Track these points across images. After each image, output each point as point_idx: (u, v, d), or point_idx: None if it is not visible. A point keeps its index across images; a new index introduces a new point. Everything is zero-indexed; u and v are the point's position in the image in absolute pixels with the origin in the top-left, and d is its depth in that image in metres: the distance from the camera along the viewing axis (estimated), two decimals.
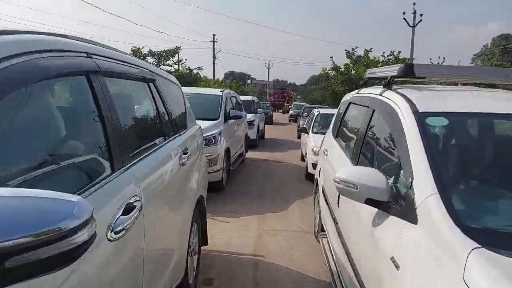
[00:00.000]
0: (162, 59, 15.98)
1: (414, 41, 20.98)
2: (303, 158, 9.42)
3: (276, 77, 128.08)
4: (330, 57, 21.69)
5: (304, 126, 9.28)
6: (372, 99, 2.66)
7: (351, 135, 3.23)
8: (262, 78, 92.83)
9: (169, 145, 2.31)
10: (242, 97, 12.75)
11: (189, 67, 17.99)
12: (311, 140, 7.49)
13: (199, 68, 18.33)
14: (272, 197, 6.13)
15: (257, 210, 5.31)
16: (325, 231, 3.39)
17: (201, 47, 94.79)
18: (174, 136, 2.51)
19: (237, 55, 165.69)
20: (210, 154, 5.26)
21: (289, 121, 26.24)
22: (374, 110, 2.52)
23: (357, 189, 1.68)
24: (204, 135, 3.87)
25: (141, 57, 15.69)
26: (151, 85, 2.31)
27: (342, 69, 19.20)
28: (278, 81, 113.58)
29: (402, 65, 2.37)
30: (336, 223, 2.66)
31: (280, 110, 45.97)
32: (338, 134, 3.70)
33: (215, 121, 6.27)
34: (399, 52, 20.31)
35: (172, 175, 2.19)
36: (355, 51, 21.47)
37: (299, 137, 14.04)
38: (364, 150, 2.53)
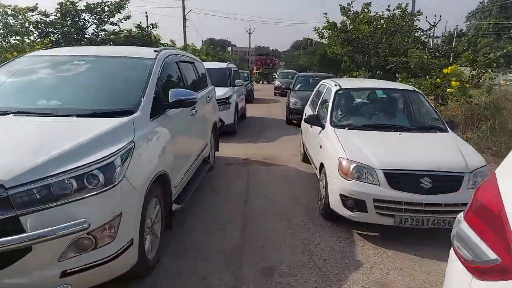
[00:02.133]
0: (104, 16, 11.88)
1: None
2: (306, 159, 6.03)
3: (257, 44, 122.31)
4: (324, 14, 17.82)
5: (312, 113, 5.60)
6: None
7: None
8: (244, 45, 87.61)
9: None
10: (209, 64, 9.09)
11: (139, 25, 13.72)
12: (339, 149, 3.92)
13: (153, 26, 14.09)
14: None
15: None
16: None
17: (171, 6, 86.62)
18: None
19: (213, 16, 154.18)
20: None
21: (275, 94, 21.21)
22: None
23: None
24: None
25: (75, 13, 11.62)
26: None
27: (342, 26, 15.51)
28: (260, 48, 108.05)
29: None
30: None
31: (265, 81, 41.78)
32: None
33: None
34: (407, 4, 16.53)
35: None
36: (351, 7, 17.60)
37: (288, 122, 10.63)
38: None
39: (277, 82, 21.54)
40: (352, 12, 17.49)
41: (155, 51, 3.77)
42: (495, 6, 44.91)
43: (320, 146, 4.43)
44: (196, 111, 4.30)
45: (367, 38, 13.82)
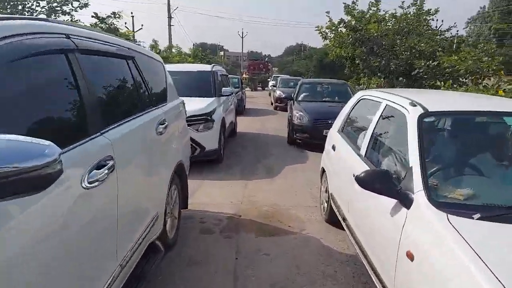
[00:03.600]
0: (56, 4, 9.28)
1: None
2: (334, 217, 3.56)
3: (250, 49, 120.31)
4: (326, 12, 15.50)
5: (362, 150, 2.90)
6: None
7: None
8: (236, 50, 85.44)
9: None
10: (184, 66, 6.63)
11: (96, 14, 10.94)
12: None
13: (115, 15, 11.38)
14: None
15: None
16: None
17: (155, 3, 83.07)
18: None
19: (200, 14, 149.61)
20: None
21: (275, 108, 15.98)
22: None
23: None
24: None
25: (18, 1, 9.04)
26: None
27: (355, 24, 13.10)
28: (252, 53, 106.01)
29: None
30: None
31: (259, 87, 38.97)
32: None
33: None
34: (424, 2, 14.22)
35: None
36: (356, 5, 15.25)
37: (291, 141, 8.08)
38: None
39: (278, 92, 15.79)
40: (358, 11, 15.10)
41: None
42: (497, 11, 43.39)
43: (408, 255, 1.76)
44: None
45: (383, 38, 11.47)
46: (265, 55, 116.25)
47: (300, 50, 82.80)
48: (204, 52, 26.20)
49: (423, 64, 9.56)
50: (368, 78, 13.38)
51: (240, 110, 13.73)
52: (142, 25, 39.49)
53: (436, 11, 13.19)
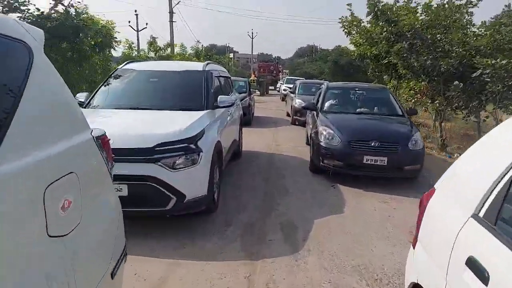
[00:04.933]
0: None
1: None
2: None
3: (260, 51, 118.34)
4: (347, 5, 13.15)
5: None
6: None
7: None
8: (246, 52, 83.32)
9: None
10: (163, 65, 4.49)
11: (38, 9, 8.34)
12: None
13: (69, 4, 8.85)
14: None
15: None
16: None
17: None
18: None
19: (207, 11, 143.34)
20: None
21: (294, 123, 12.18)
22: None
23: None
24: None
25: None
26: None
27: (390, 15, 10.66)
28: (262, 55, 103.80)
29: None
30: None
31: (272, 88, 36.20)
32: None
33: None
34: None
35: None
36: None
37: (314, 168, 5.76)
38: None
39: (297, 101, 11.87)
40: (384, 3, 12.64)
41: None
42: None
43: None
44: None
45: (426, 31, 9.09)
46: (275, 57, 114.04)
47: (312, 51, 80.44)
48: (209, 52, 23.96)
49: (489, 62, 7.18)
50: (407, 81, 11.00)
51: (247, 120, 11.42)
52: (146, 24, 37.37)
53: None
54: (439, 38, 8.81)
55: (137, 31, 34.57)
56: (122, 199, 2.08)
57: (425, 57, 8.28)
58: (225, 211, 4.25)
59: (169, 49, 16.09)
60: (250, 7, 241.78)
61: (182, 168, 3.49)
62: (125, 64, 5.28)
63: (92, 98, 4.68)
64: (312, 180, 5.78)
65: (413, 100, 10.65)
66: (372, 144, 5.43)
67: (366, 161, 5.35)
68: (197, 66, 5.28)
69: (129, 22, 34.80)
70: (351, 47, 16.19)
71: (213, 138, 4.09)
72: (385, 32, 9.52)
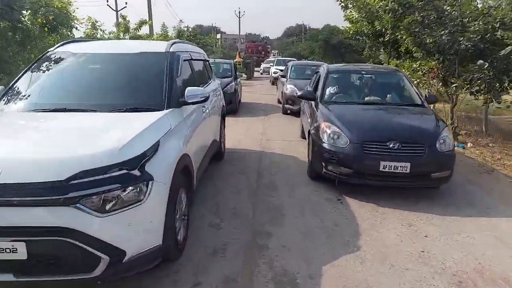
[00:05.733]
0: None
1: None
2: None
3: (248, 31, 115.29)
4: None
5: None
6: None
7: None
8: (233, 32, 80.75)
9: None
10: (115, 46, 3.10)
11: None
12: None
13: None
14: None
15: None
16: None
17: None
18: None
19: None
20: None
21: (286, 112, 10.38)
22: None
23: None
24: None
25: None
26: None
27: None
28: (250, 35, 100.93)
29: None
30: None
31: (260, 71, 34.44)
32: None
33: None
34: None
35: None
36: None
37: (315, 176, 4.41)
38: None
39: (289, 87, 10.17)
40: None
41: None
42: None
43: None
44: None
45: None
46: (263, 36, 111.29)
47: (301, 31, 78.20)
48: (193, 32, 22.14)
49: None
50: (410, 60, 9.69)
51: (233, 108, 10.07)
52: (126, 3, 35.36)
53: None
54: (448, 10, 7.50)
55: (116, 11, 32.41)
56: (19, 264, 2.07)
57: (441, 32, 6.97)
58: (195, 255, 2.99)
59: (142, 28, 14.47)
60: None
61: (118, 210, 2.20)
62: (61, 46, 3.87)
63: (4, 94, 3.30)
64: (313, 191, 4.54)
65: (416, 82, 9.40)
66: (391, 145, 4.18)
67: (383, 168, 4.11)
68: (159, 46, 3.89)
69: (107, 1, 32.58)
70: (345, 24, 14.74)
71: (174, 154, 2.78)
72: (392, 3, 8.13)
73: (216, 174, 5.09)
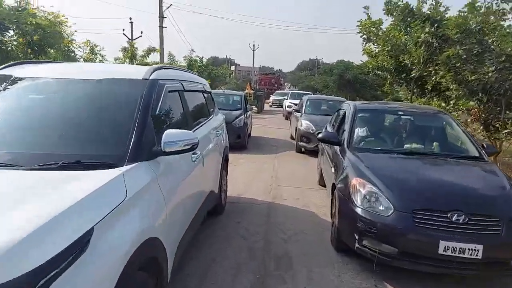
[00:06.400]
0: None
1: None
2: None
3: (261, 64, 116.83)
4: (364, 8, 10.84)
5: None
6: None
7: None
8: (248, 64, 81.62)
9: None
10: (75, 70, 2.17)
11: None
12: None
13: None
14: None
15: None
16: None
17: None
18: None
19: (199, 14, 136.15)
20: None
21: (300, 150, 9.22)
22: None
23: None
24: None
25: None
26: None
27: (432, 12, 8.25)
28: (264, 68, 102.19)
29: None
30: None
31: (269, 102, 33.67)
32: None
33: None
34: None
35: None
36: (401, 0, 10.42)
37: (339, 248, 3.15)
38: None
39: (303, 123, 9.05)
40: (402, 7, 10.34)
41: None
42: None
43: None
44: None
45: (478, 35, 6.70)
46: (277, 69, 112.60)
47: (314, 65, 78.63)
48: (203, 62, 21.57)
49: None
50: (441, 99, 8.57)
51: (242, 143, 9.00)
52: (141, 32, 35.62)
53: None
54: (494, 44, 6.46)
55: (131, 39, 32.64)
56: None
57: (488, 69, 5.88)
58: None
59: (150, 56, 13.85)
60: (251, 13, 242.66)
61: None
62: (3, 68, 2.86)
63: None
64: (340, 274, 3.29)
65: None
66: (454, 218, 2.97)
67: (445, 250, 2.88)
68: (135, 71, 2.83)
69: (123, 30, 32.90)
70: (361, 60, 13.77)
71: (124, 245, 1.63)
72: (426, 35, 7.13)
73: (210, 236, 3.90)
